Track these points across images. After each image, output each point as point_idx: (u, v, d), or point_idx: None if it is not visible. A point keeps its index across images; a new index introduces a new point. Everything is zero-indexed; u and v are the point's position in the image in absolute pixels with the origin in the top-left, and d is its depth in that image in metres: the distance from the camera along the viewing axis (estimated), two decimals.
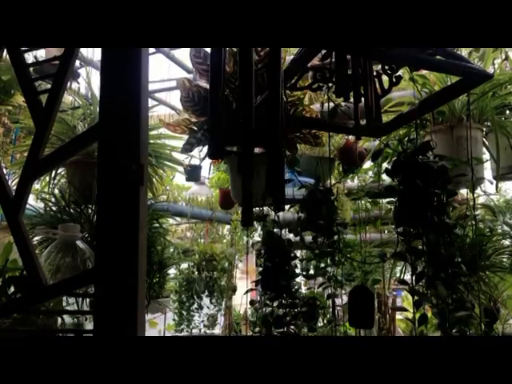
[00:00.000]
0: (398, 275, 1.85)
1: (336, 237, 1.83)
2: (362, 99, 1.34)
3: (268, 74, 1.05)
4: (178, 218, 4.85)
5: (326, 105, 1.76)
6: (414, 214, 1.43)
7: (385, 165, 2.36)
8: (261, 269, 1.97)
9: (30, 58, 2.27)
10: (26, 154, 1.25)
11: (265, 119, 1.05)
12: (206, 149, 2.01)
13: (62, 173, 2.26)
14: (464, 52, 3.54)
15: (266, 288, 1.94)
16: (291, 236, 2.01)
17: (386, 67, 1.28)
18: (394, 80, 1.26)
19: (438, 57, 1.24)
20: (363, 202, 3.81)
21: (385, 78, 1.40)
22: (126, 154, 1.14)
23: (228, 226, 5.47)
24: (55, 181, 2.23)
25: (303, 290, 3.17)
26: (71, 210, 2.03)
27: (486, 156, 2.07)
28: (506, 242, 1.89)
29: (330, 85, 1.40)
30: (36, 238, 2.04)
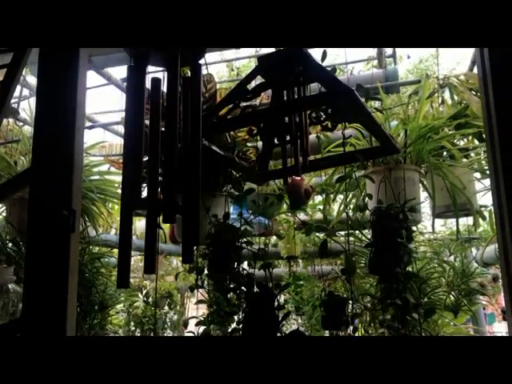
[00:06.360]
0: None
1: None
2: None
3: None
4: None
5: None
6: (391, 263, 1.50)
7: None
8: None
9: None
10: None
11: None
12: None
13: (1, 209, 2.18)
14: (403, 90, 3.69)
15: None
16: None
17: (314, 115, 1.36)
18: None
19: None
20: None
21: None
22: (57, 198, 1.12)
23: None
24: None
25: None
26: (8, 250, 1.95)
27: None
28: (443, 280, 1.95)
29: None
30: None
